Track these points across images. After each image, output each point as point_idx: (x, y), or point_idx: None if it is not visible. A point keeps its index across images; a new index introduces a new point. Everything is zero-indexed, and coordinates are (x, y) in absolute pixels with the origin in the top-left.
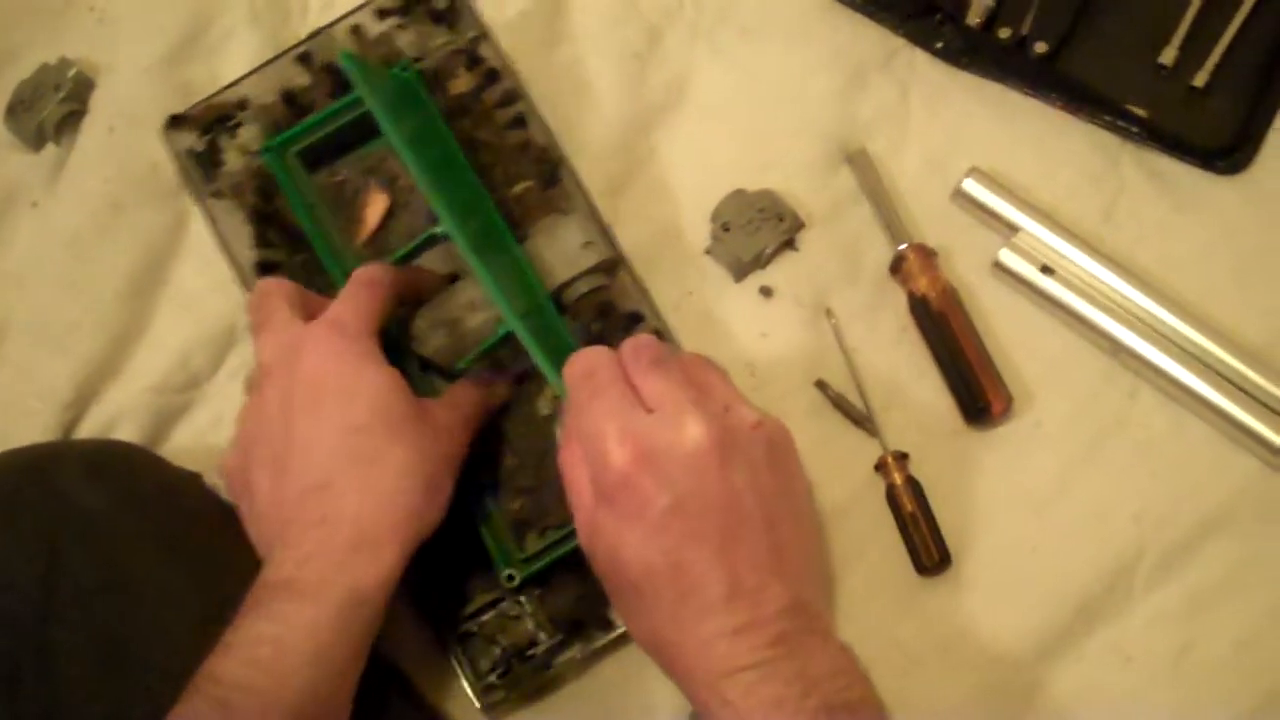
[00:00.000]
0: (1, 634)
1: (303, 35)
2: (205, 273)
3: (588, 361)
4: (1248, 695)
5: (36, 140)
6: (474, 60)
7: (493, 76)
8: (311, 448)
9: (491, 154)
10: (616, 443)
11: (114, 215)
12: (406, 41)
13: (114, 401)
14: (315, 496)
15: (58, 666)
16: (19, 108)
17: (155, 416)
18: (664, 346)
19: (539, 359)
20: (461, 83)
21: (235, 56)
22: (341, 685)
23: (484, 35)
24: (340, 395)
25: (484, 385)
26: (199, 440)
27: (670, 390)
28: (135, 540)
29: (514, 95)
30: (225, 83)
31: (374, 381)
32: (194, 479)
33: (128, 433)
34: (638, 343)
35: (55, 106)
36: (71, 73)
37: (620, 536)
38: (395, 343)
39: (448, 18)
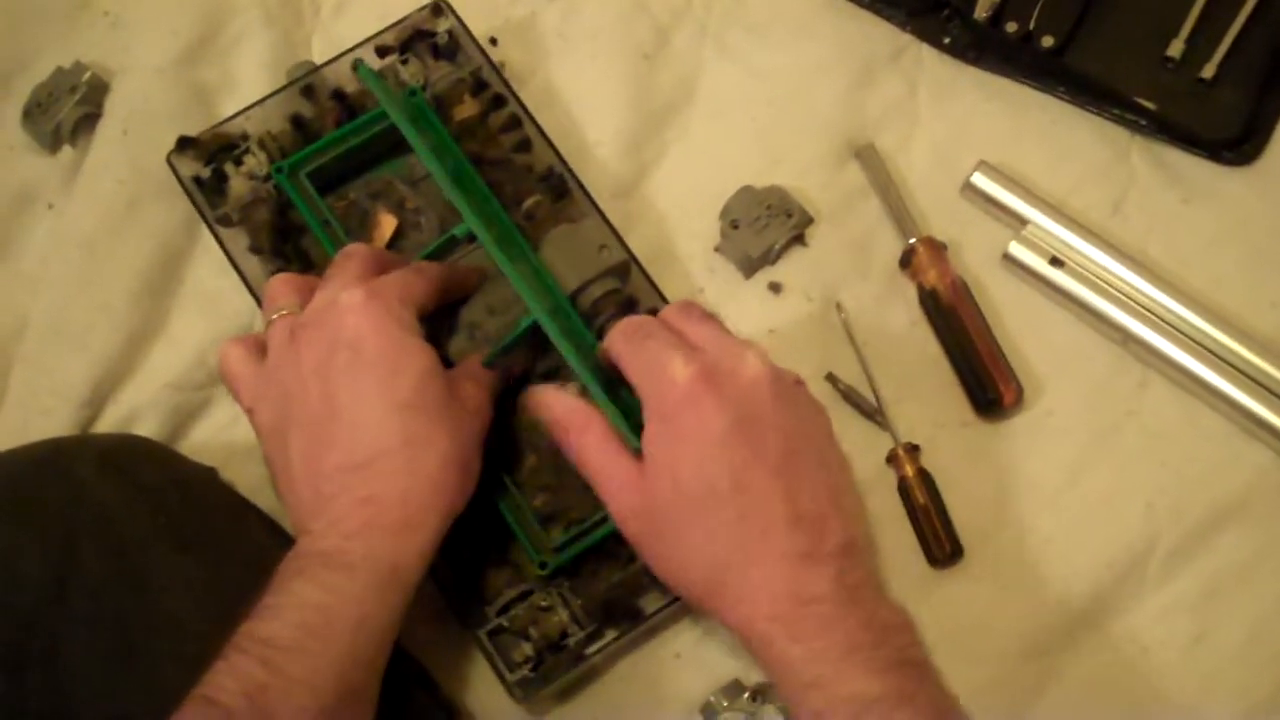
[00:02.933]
0: (13, 625)
1: (314, 37)
2: (221, 272)
3: (634, 320)
4: (1261, 684)
5: (52, 143)
6: (478, 86)
7: (498, 101)
8: (356, 422)
9: (500, 172)
10: (682, 364)
11: (129, 216)
12: (410, 74)
13: (132, 399)
14: (361, 474)
15: (69, 658)
16: (35, 111)
17: (173, 413)
18: (702, 307)
19: (564, 348)
20: (467, 108)
21: (248, 58)
22: (378, 656)
23: (484, 65)
24: (384, 368)
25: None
26: (216, 437)
27: (720, 335)
28: (149, 534)
29: (519, 119)
30: (238, 84)
31: (417, 358)
32: (209, 473)
33: (146, 429)
34: (684, 303)
35: (70, 109)
36: (86, 76)
37: (680, 456)
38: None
39: (448, 52)
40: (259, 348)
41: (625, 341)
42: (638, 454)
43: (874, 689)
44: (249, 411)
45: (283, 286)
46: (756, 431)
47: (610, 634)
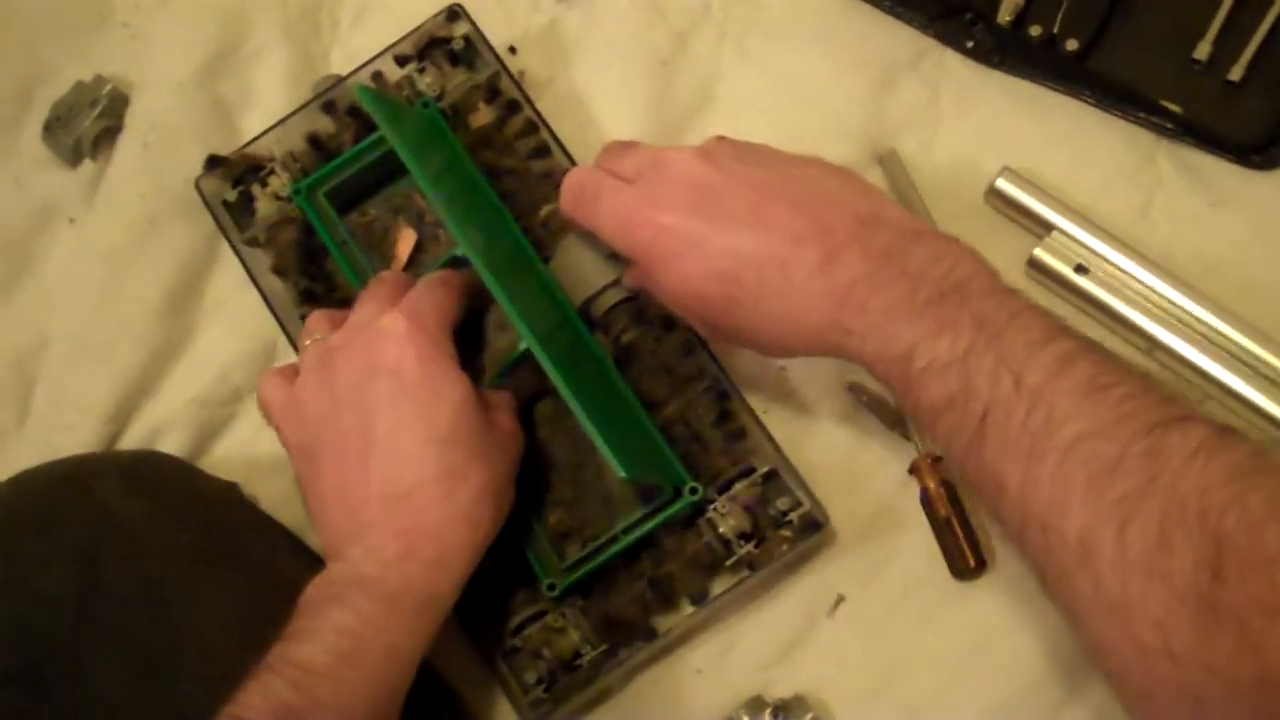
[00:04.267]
0: (36, 643)
1: (333, 50)
2: (244, 288)
3: (572, 181)
4: None
5: (73, 157)
6: (493, 93)
7: (513, 107)
8: (394, 452)
9: (516, 181)
10: (625, 217)
11: (151, 230)
12: (426, 84)
13: (155, 415)
14: (400, 505)
15: (91, 676)
16: (55, 125)
17: (198, 429)
18: (632, 143)
19: (556, 377)
20: (482, 115)
21: (268, 70)
22: (405, 683)
23: (500, 71)
24: (423, 398)
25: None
26: (240, 451)
27: (643, 158)
28: (172, 551)
29: (534, 125)
30: (258, 96)
31: (456, 388)
32: (232, 489)
33: (170, 445)
34: (609, 146)
35: (91, 123)
36: (106, 89)
37: (682, 272)
38: None
39: (464, 58)
40: (295, 373)
41: (578, 212)
42: (625, 493)
43: (909, 334)
44: (277, 429)
45: (320, 318)
46: (714, 205)
47: (624, 653)
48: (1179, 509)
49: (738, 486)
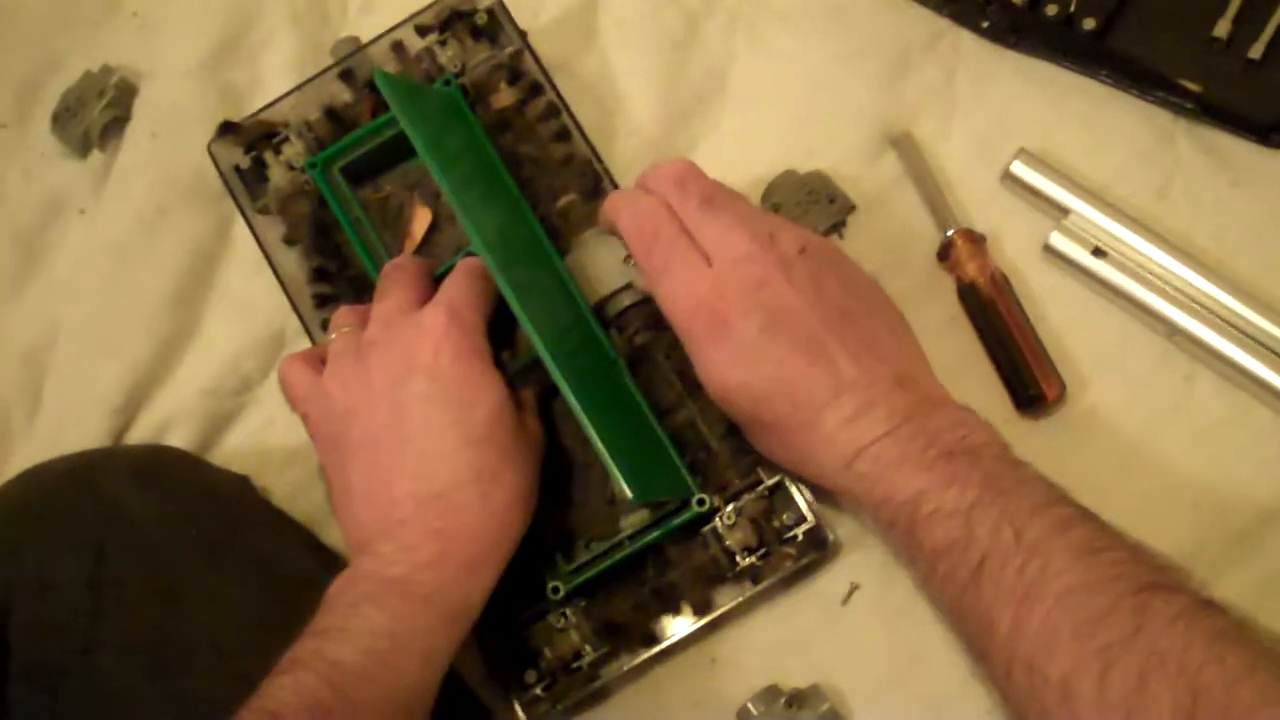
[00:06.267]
0: (48, 638)
1: (342, 36)
2: (254, 276)
3: (642, 222)
4: None
5: (82, 147)
6: (515, 75)
7: (535, 90)
8: (429, 451)
9: (535, 168)
10: (692, 303)
11: (160, 220)
12: (448, 57)
13: (166, 406)
14: (432, 505)
15: (104, 671)
16: (64, 115)
17: (208, 420)
18: (702, 176)
19: (564, 388)
20: (504, 97)
21: (276, 59)
22: (437, 685)
23: (524, 49)
24: (460, 399)
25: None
26: (251, 442)
27: (723, 234)
28: (182, 546)
29: (556, 108)
30: (266, 85)
31: (492, 390)
32: (242, 482)
33: (180, 436)
34: (680, 177)
35: (99, 113)
36: (114, 79)
37: (725, 375)
38: None
39: (487, 33)
40: (319, 360)
41: (640, 255)
42: (632, 503)
43: (919, 482)
44: (304, 417)
45: (348, 312)
46: (778, 325)
47: (625, 656)
48: (1159, 661)
49: (744, 499)
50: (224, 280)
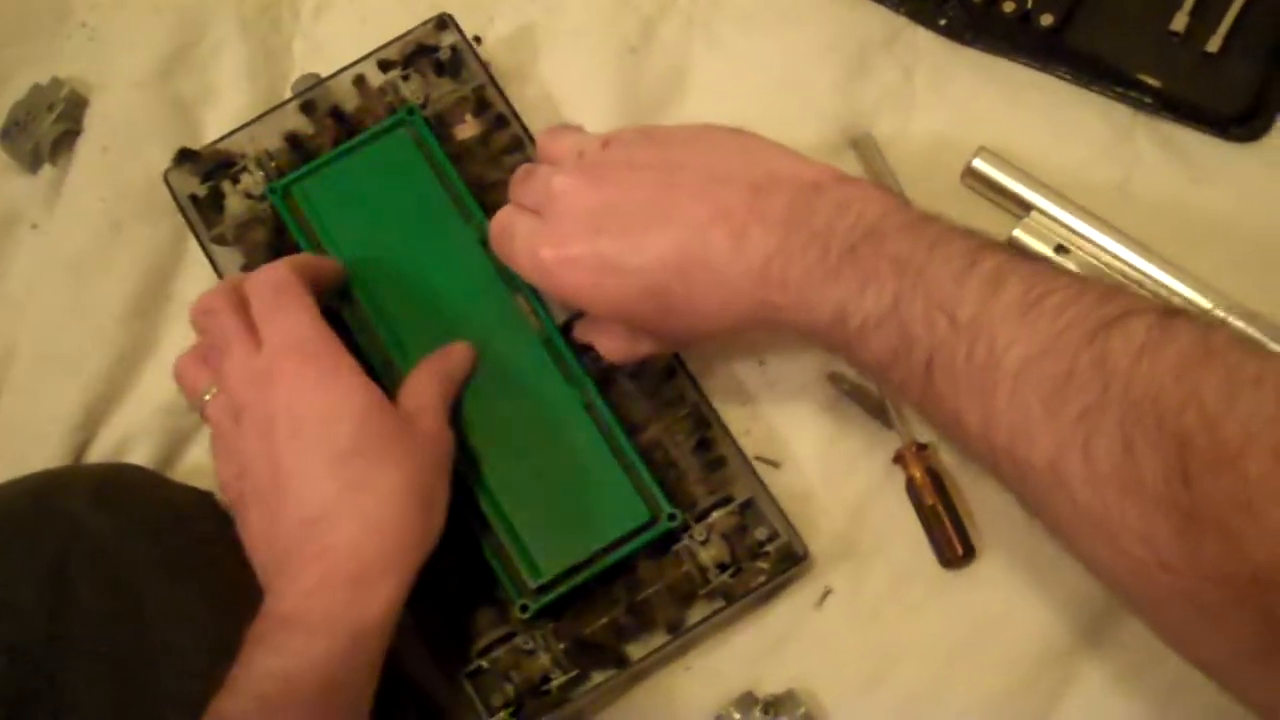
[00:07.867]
0: (10, 661)
1: (294, 42)
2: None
3: (494, 225)
4: None
5: (33, 162)
6: (481, 105)
7: (500, 122)
8: (302, 479)
9: (501, 194)
10: (545, 263)
11: (114, 235)
12: (410, 91)
13: (125, 422)
14: (311, 528)
15: (68, 694)
16: (14, 129)
17: (168, 436)
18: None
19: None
20: (468, 128)
21: (227, 69)
22: (357, 709)
23: (488, 84)
24: (322, 421)
25: (439, 365)
26: (212, 458)
27: (545, 184)
28: (145, 565)
29: (521, 141)
30: (219, 95)
31: (354, 401)
32: (205, 499)
33: (141, 453)
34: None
35: (49, 127)
36: (64, 92)
37: (609, 298)
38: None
39: (450, 69)
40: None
41: (501, 251)
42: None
43: (834, 296)
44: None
45: (190, 367)
46: (614, 221)
47: (595, 677)
48: (1136, 415)
49: (715, 515)
50: (181, 294)
